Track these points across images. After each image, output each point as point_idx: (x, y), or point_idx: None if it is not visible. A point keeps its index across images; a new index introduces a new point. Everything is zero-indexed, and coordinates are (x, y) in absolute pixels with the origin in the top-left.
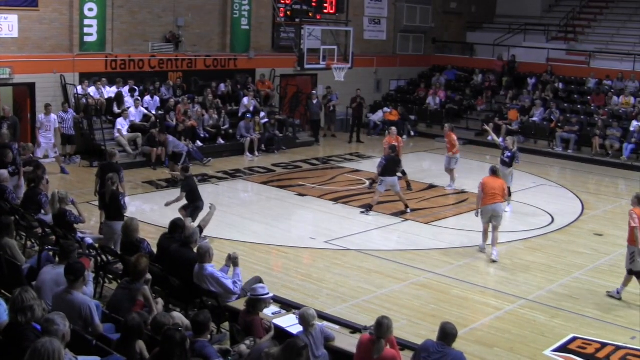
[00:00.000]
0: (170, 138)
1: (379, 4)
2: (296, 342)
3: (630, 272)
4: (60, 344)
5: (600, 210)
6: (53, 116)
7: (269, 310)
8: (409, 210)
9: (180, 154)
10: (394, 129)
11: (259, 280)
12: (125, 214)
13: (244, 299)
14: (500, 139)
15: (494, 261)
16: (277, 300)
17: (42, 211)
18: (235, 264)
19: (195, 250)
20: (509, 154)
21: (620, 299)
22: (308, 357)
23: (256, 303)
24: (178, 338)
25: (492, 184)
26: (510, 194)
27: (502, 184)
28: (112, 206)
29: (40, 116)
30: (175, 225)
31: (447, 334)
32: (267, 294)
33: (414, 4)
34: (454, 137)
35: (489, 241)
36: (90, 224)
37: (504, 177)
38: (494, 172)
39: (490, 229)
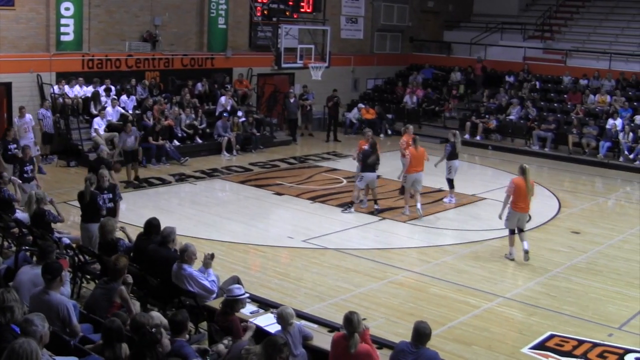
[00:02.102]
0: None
1: (356, 3)
2: (277, 339)
3: (512, 232)
4: (37, 345)
5: (577, 208)
6: (28, 116)
7: (247, 310)
8: (376, 207)
9: (133, 151)
10: (410, 127)
11: (236, 279)
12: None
13: (221, 299)
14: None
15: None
16: (255, 299)
17: (16, 207)
18: (206, 265)
19: (172, 249)
20: (448, 147)
21: (513, 259)
22: (289, 354)
23: (233, 304)
24: (148, 339)
25: (417, 156)
26: (452, 186)
27: (423, 153)
28: (89, 207)
29: (15, 119)
30: (151, 224)
31: (421, 334)
32: (243, 294)
33: (391, 2)
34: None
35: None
36: (67, 224)
37: (453, 168)
38: (415, 141)
39: (412, 192)
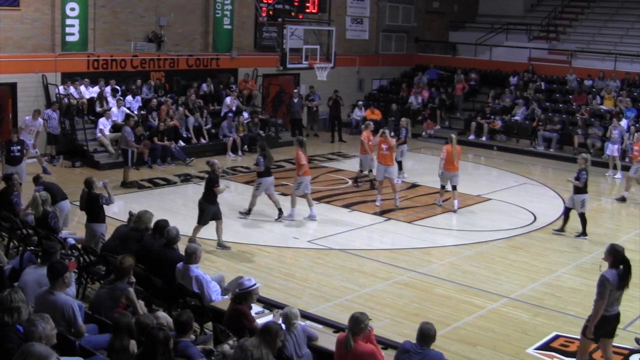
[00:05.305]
0: (127, 129)
1: (362, 3)
2: (270, 326)
3: (442, 187)
4: (52, 350)
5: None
6: (40, 121)
7: (253, 310)
8: (281, 216)
9: (125, 151)
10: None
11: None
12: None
13: (226, 300)
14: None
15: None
16: (260, 299)
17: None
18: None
19: (177, 249)
20: (403, 132)
21: (441, 205)
22: (284, 340)
23: (246, 296)
24: (161, 337)
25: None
26: (401, 168)
27: (393, 143)
28: (90, 208)
29: (27, 118)
30: (159, 226)
31: (425, 335)
32: (254, 285)
33: (396, 3)
34: (301, 154)
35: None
36: (72, 224)
37: (398, 152)
38: (383, 132)
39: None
